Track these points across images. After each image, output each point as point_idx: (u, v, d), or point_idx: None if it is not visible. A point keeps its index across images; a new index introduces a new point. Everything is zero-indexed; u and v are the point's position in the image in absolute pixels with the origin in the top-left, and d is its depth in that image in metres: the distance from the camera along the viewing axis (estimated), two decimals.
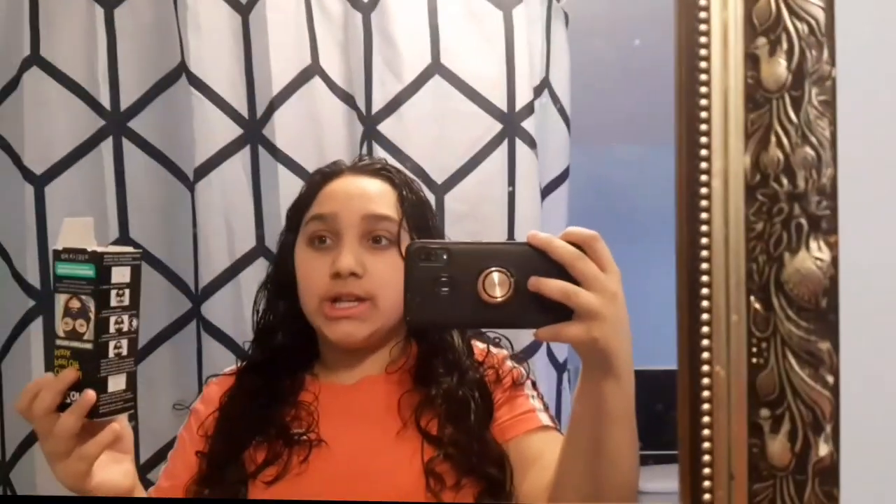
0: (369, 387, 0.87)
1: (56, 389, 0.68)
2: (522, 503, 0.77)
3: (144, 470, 1.07)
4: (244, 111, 1.21)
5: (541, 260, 0.59)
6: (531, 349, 1.13)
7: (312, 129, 1.21)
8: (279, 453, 0.81)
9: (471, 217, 1.22)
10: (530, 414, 0.83)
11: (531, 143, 1.23)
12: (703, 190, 0.49)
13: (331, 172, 0.91)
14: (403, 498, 0.78)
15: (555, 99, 1.28)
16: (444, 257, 0.60)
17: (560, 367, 1.26)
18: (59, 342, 0.69)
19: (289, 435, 0.82)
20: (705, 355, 0.49)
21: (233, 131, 1.20)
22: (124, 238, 1.21)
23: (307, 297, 0.85)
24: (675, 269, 0.50)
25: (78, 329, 0.69)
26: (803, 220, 0.48)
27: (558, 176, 1.29)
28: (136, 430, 1.07)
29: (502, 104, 1.21)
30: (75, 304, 0.69)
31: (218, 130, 1.19)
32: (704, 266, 0.49)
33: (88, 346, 0.68)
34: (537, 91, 1.24)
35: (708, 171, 0.49)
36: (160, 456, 1.08)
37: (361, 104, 1.21)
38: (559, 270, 0.58)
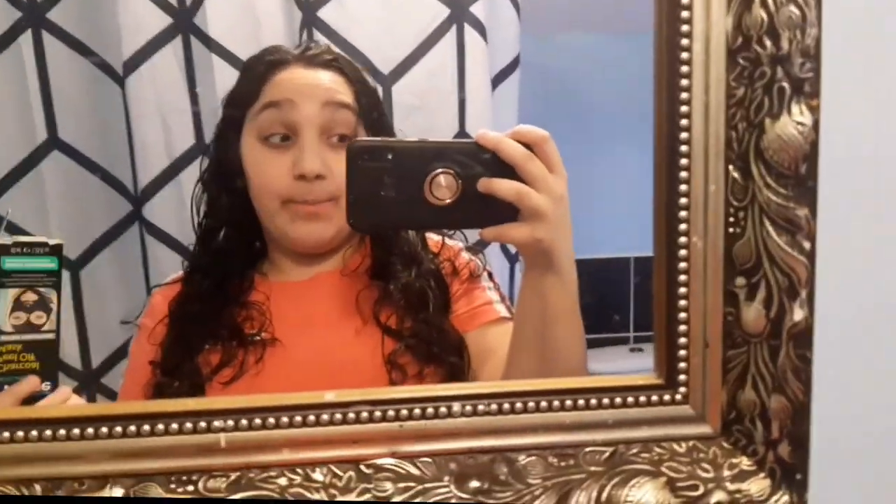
0: (324, 283, 0.84)
1: (19, 398, 0.67)
2: None
3: (98, 375, 1.05)
4: None
5: (489, 159, 0.57)
6: (484, 241, 1.12)
7: (247, 17, 1.13)
8: (234, 355, 0.79)
9: (420, 109, 1.19)
10: (487, 306, 0.83)
11: (481, 30, 1.18)
12: (684, 55, 0.46)
13: (277, 61, 0.84)
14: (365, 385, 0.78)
15: None
16: (388, 157, 0.57)
17: (512, 259, 1.26)
18: (4, 337, 0.67)
19: (242, 336, 0.80)
20: (682, 227, 0.48)
21: (162, 20, 1.11)
22: (53, 139, 1.14)
23: (265, 199, 0.81)
24: (654, 140, 0.48)
25: (34, 321, 0.68)
26: (786, 84, 0.46)
27: (508, 65, 1.26)
28: (85, 337, 1.04)
29: None
30: (31, 297, 0.68)
31: (145, 20, 1.10)
32: (684, 136, 0.47)
33: (50, 335, 0.69)
34: None
35: (689, 35, 0.46)
36: (112, 361, 1.05)
37: None
38: (507, 171, 0.57)
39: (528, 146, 0.57)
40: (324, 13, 1.13)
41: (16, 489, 0.47)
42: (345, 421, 0.50)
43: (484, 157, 0.57)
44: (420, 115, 1.18)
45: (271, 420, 0.50)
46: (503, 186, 0.57)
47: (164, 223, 1.13)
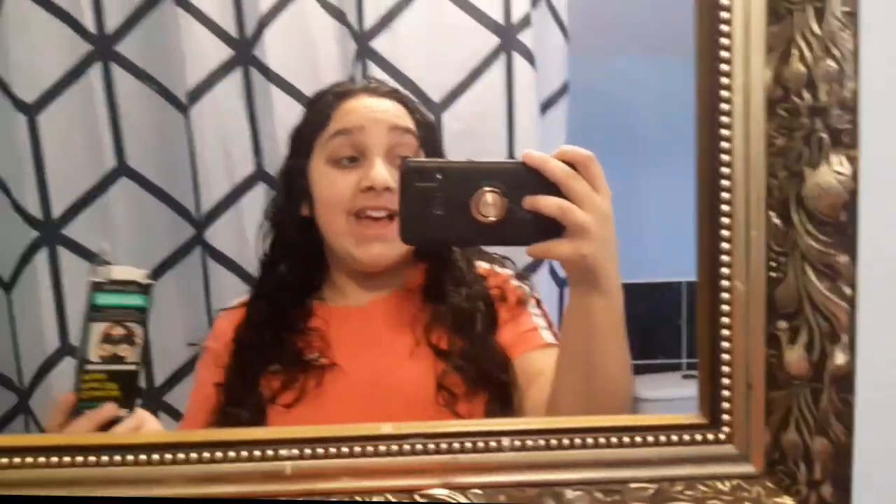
0: (380, 307, 0.88)
1: (97, 423, 0.71)
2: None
3: (161, 393, 1.09)
4: (233, 31, 1.16)
5: (534, 179, 0.59)
6: (533, 266, 1.13)
7: (304, 48, 1.17)
8: (294, 379, 0.83)
9: (469, 135, 1.20)
10: (534, 332, 0.85)
11: (529, 57, 1.20)
12: (724, 106, 0.48)
13: (345, 91, 0.89)
14: (419, 412, 0.80)
15: (552, 9, 1.24)
16: (438, 177, 0.60)
17: (561, 283, 1.27)
18: (91, 367, 0.72)
19: (302, 360, 0.84)
20: (725, 270, 0.49)
21: (223, 52, 1.16)
22: (122, 167, 1.19)
23: (332, 216, 0.85)
24: (696, 186, 0.50)
25: (119, 353, 0.73)
26: (824, 135, 0.47)
27: (557, 91, 1.27)
28: (149, 356, 1.09)
29: (498, 16, 1.17)
30: (118, 331, 0.73)
31: (208, 52, 1.14)
32: (725, 183, 0.49)
33: (133, 367, 0.73)
34: (534, 1, 1.20)
35: (729, 87, 0.48)
36: (175, 379, 1.09)
37: (353, 20, 1.17)
38: (552, 190, 0.59)
39: (573, 166, 0.59)
40: (376, 44, 1.16)
41: None
42: (400, 452, 0.53)
43: (530, 177, 0.59)
44: (470, 141, 1.20)
45: (332, 449, 0.53)
46: (547, 202, 0.59)
47: (224, 247, 1.18)
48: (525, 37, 1.18)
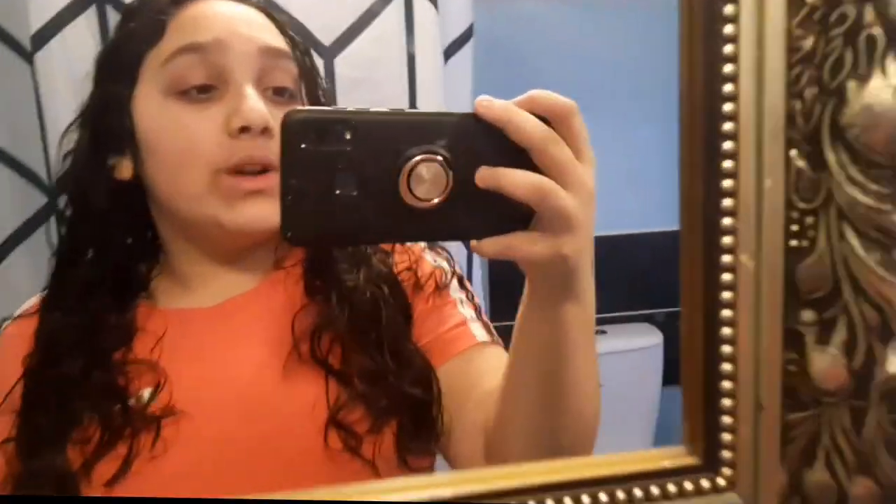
0: (241, 307, 0.61)
1: None
2: (455, 456, 0.57)
3: None
4: None
5: (491, 140, 0.37)
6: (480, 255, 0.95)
7: None
8: (115, 436, 0.53)
9: (366, 83, 1.03)
10: (461, 328, 0.61)
11: None
12: None
13: None
14: (307, 467, 0.54)
15: None
16: (347, 136, 0.36)
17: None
18: None
19: (123, 406, 0.54)
20: (726, 240, 0.31)
21: None
22: None
23: (186, 173, 0.56)
24: (680, 118, 0.31)
25: None
26: (877, 31, 0.29)
27: (461, 35, 1.11)
28: None
29: None
30: None
31: None
32: (726, 108, 0.30)
33: None
34: None
35: None
36: None
37: None
38: (516, 156, 0.37)
39: (545, 121, 0.38)
40: None
41: None
42: None
43: (484, 137, 0.37)
44: (365, 88, 1.02)
45: None
46: (516, 179, 0.37)
47: None
48: None
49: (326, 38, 1.01)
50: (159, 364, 0.56)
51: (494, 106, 0.37)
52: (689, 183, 0.31)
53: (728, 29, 0.29)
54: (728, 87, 0.30)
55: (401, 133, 0.37)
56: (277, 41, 0.59)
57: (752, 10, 0.29)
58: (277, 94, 0.58)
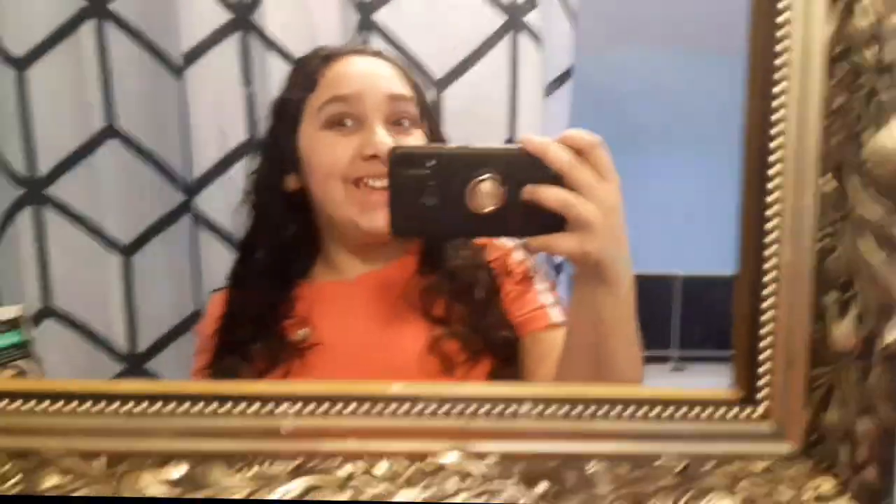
0: (371, 281, 0.83)
1: None
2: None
3: (143, 360, 1.04)
4: None
5: (535, 166, 0.54)
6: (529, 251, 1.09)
7: (304, 16, 1.12)
8: (277, 359, 0.78)
9: (470, 116, 1.16)
10: (541, 311, 0.79)
11: (536, 39, 1.16)
12: (778, 61, 0.44)
13: (331, 54, 0.83)
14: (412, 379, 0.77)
15: None
16: (430, 164, 0.55)
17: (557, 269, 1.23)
18: None
19: (285, 342, 0.79)
20: (771, 237, 0.45)
21: (221, 16, 1.09)
22: (112, 128, 1.13)
23: (330, 183, 0.79)
24: (743, 155, 0.45)
25: None
26: (885, 97, 0.43)
27: (560, 75, 1.23)
28: (133, 322, 1.05)
29: None
30: (8, 373, 0.69)
31: (205, 15, 1.09)
32: (775, 144, 0.44)
33: None
34: None
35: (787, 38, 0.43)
36: (159, 346, 1.05)
37: None
38: (555, 178, 0.54)
39: (577, 153, 0.54)
40: (379, 16, 1.12)
41: (83, 461, 0.46)
42: (410, 414, 0.48)
43: (530, 164, 0.54)
44: (471, 122, 1.16)
45: (338, 407, 0.48)
46: (549, 194, 0.54)
47: (214, 215, 1.12)
48: (532, 18, 1.15)
49: (438, 73, 1.15)
50: (311, 317, 0.80)
51: (535, 141, 0.55)
52: (747, 195, 0.46)
53: (778, 88, 0.45)
54: (776, 129, 0.45)
55: (468, 160, 0.55)
56: (401, 88, 0.81)
57: (798, 78, 0.44)
58: (400, 124, 0.80)
